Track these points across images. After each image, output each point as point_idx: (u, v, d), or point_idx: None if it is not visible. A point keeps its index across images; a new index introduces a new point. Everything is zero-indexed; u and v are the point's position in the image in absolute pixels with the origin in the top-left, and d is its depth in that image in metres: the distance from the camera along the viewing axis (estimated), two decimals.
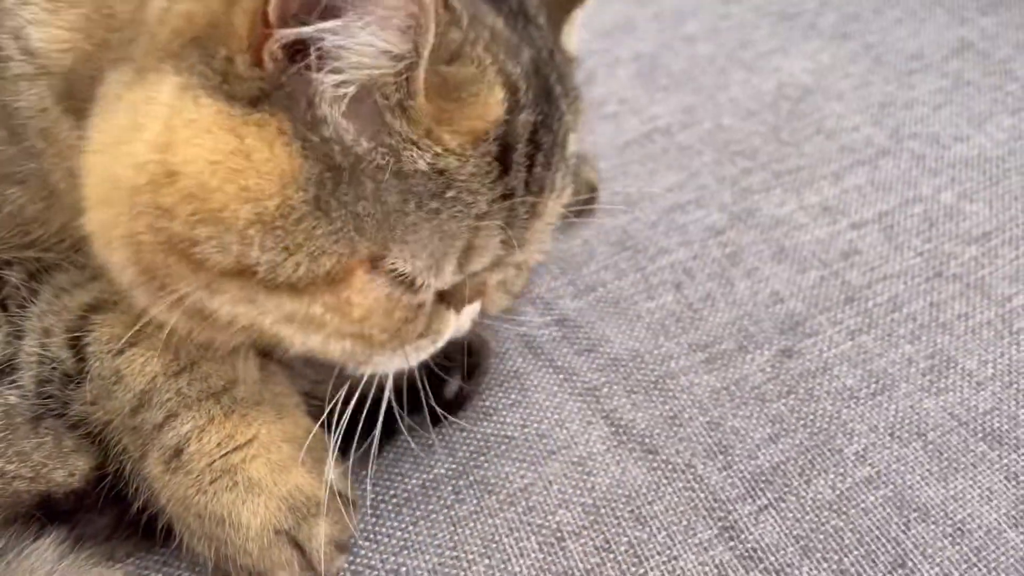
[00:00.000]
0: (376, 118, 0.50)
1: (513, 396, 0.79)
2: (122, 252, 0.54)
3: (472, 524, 0.69)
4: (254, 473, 0.62)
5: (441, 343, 0.64)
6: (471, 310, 0.64)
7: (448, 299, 0.61)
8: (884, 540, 0.67)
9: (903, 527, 0.67)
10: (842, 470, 0.71)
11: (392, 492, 0.71)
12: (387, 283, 0.53)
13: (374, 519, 0.69)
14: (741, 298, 0.87)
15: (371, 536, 0.68)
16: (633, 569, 0.66)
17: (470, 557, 0.67)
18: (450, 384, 0.72)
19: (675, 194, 1.01)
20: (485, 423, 0.77)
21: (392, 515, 0.69)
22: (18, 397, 0.65)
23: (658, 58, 1.27)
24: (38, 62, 0.57)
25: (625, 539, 0.67)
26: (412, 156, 0.50)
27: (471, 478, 0.72)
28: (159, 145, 0.51)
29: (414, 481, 0.72)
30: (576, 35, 0.69)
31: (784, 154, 1.05)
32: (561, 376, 0.81)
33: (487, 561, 0.66)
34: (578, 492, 0.71)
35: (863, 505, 0.69)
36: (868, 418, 0.75)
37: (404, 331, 0.58)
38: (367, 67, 0.49)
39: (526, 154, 0.54)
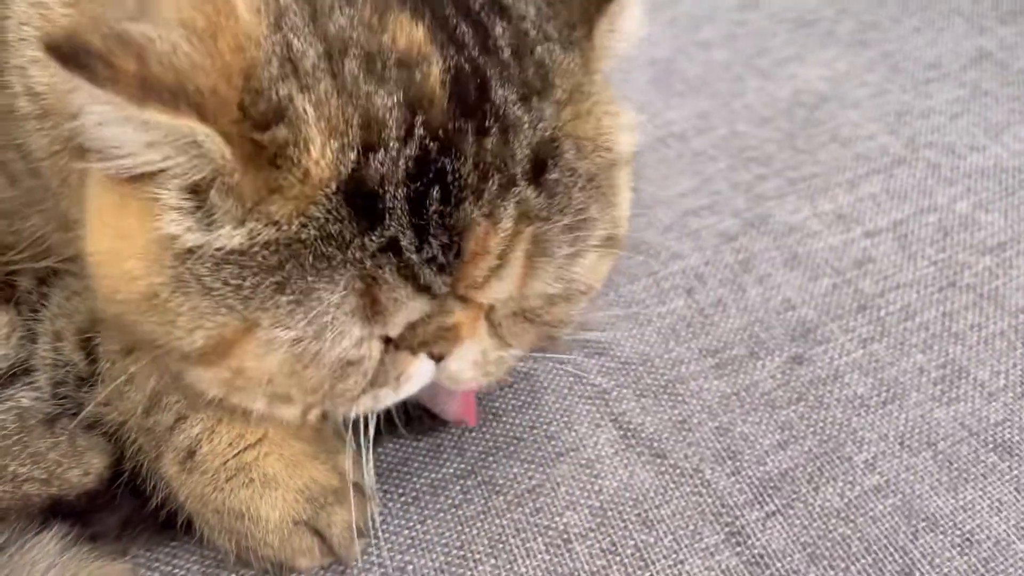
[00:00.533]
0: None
1: (523, 398, 0.79)
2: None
3: (479, 524, 0.69)
4: (269, 469, 0.63)
5: (412, 388, 0.58)
6: (465, 353, 0.58)
7: (406, 345, 0.55)
8: (892, 549, 0.67)
9: (911, 536, 0.67)
10: (851, 478, 0.71)
11: (400, 490, 0.71)
12: (285, 347, 0.50)
13: (381, 516, 0.70)
14: (752, 304, 0.87)
15: (378, 533, 0.68)
16: (639, 572, 0.66)
17: (476, 556, 0.67)
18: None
19: (689, 199, 1.02)
20: (494, 424, 0.77)
21: (400, 513, 0.70)
22: (33, 399, 0.65)
23: (674, 63, 1.27)
24: (43, 103, 0.55)
25: (631, 542, 0.68)
26: (238, 232, 0.47)
27: (479, 478, 0.73)
28: (94, 232, 0.52)
29: (422, 480, 0.73)
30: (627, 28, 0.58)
31: (799, 161, 1.04)
32: (571, 378, 0.81)
33: (493, 561, 0.67)
34: (585, 494, 0.71)
35: (871, 513, 0.69)
36: (878, 427, 0.75)
37: (341, 387, 0.54)
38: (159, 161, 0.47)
39: (407, 196, 0.48)
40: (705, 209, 1.00)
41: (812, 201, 0.98)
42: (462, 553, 0.67)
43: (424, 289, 0.50)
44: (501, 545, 0.67)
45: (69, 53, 0.42)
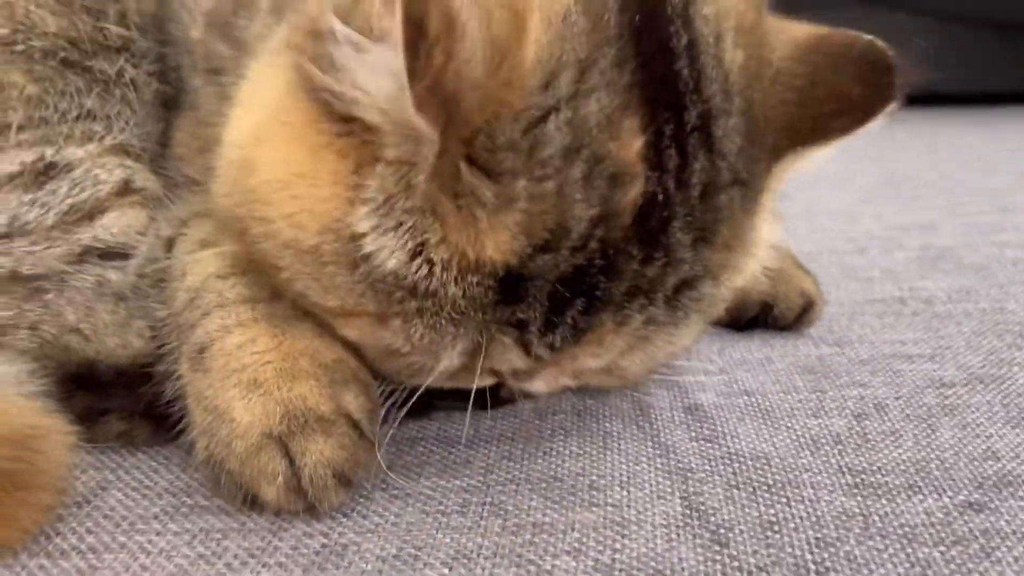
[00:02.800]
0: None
1: (588, 446, 0.64)
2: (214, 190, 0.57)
3: (456, 534, 0.54)
4: (261, 374, 0.56)
5: (465, 387, 0.58)
6: (534, 386, 0.58)
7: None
8: None
9: None
10: None
11: (398, 486, 0.60)
12: (398, 344, 0.52)
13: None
14: (940, 444, 0.65)
15: (347, 513, 0.57)
16: None
17: (431, 562, 0.52)
18: (504, 389, 0.61)
19: (906, 347, 0.82)
20: (539, 457, 0.63)
21: (385, 503, 0.58)
22: (117, 277, 0.67)
23: (953, 251, 1.10)
24: None
25: None
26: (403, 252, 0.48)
27: (485, 497, 0.58)
28: (254, 136, 0.53)
29: (426, 483, 0.60)
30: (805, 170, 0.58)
31: None
32: (656, 449, 0.64)
33: (447, 572, 0.51)
34: (598, 548, 0.53)
35: None
36: None
37: (419, 377, 0.55)
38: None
39: (549, 293, 0.49)
40: (923, 357, 0.80)
41: None
42: (417, 554, 0.53)
43: (530, 355, 0.52)
44: (466, 562, 0.52)
45: (415, 28, 0.42)
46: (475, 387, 0.58)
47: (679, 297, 0.53)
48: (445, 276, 0.48)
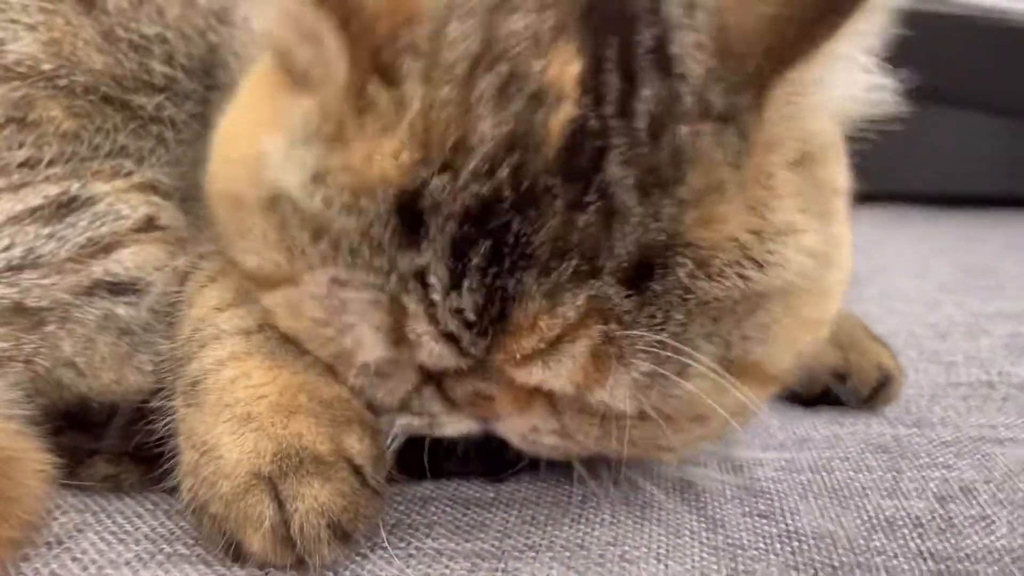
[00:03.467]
0: None
1: (622, 515, 0.56)
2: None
3: None
4: (254, 409, 0.51)
5: (440, 431, 0.52)
6: (511, 424, 0.50)
7: (440, 390, 0.50)
8: None
9: None
10: None
11: (401, 545, 0.53)
12: (313, 323, 0.48)
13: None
14: None
15: (338, 571, 0.50)
16: None
17: None
18: (508, 450, 0.54)
19: (997, 430, 0.72)
20: (565, 525, 0.55)
21: (382, 563, 0.51)
22: (127, 312, 0.64)
23: None
24: None
25: None
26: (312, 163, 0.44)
27: (498, 564, 0.51)
28: (230, 119, 0.53)
29: (432, 544, 0.53)
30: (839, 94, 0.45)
31: None
32: (703, 523, 0.56)
33: None
34: None
35: None
36: None
37: (371, 394, 0.51)
38: None
39: (453, 235, 0.42)
40: (1015, 441, 0.70)
41: None
42: None
43: (450, 339, 0.44)
44: None
45: None
46: (448, 430, 0.52)
47: (645, 282, 0.42)
48: (342, 206, 0.43)
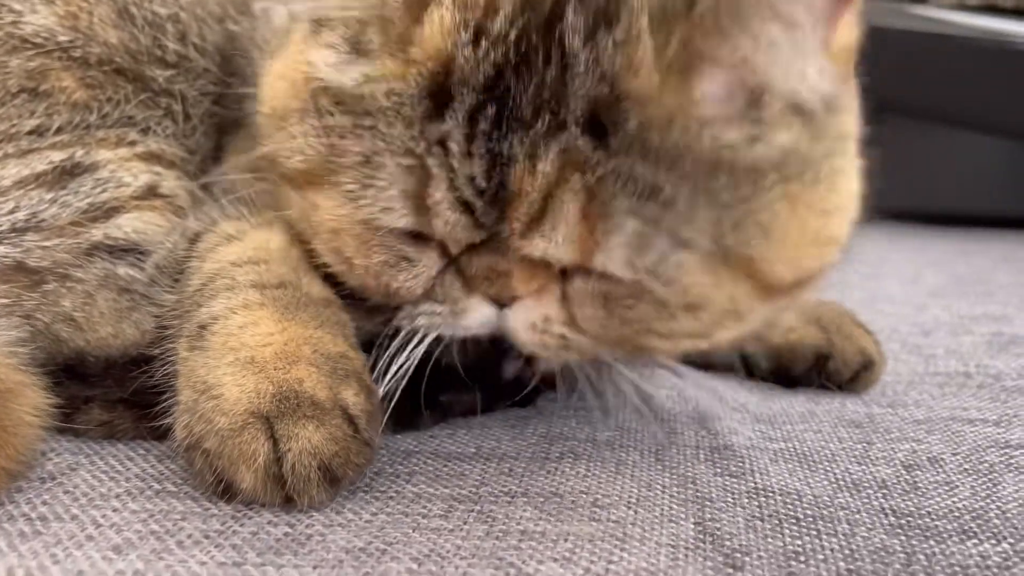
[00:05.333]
0: None
1: (598, 470, 0.58)
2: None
3: (435, 536, 0.49)
4: (259, 354, 0.53)
5: (461, 320, 0.55)
6: (523, 311, 0.54)
7: (465, 275, 0.54)
8: None
9: None
10: None
11: (382, 488, 0.55)
12: (349, 201, 0.52)
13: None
14: (1002, 497, 0.57)
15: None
16: None
17: (399, 555, 0.46)
18: (507, 365, 0.56)
19: (968, 412, 0.74)
20: (542, 476, 0.57)
21: (363, 502, 0.53)
22: (128, 274, 0.66)
23: None
24: None
25: None
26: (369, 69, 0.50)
27: (474, 506, 0.53)
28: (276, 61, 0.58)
29: (412, 489, 0.55)
30: None
31: None
32: (674, 479, 0.58)
33: (414, 567, 0.45)
34: (591, 559, 0.47)
35: None
36: None
37: (396, 281, 0.54)
38: None
39: (471, 105, 0.47)
40: (987, 422, 0.72)
41: None
42: (385, 549, 0.47)
43: (467, 208, 0.49)
44: (439, 560, 0.46)
45: None
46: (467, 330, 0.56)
47: (606, 134, 0.46)
48: (385, 92, 0.49)
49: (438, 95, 0.48)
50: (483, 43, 0.47)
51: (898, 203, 2.08)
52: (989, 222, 2.07)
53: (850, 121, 0.53)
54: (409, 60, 0.48)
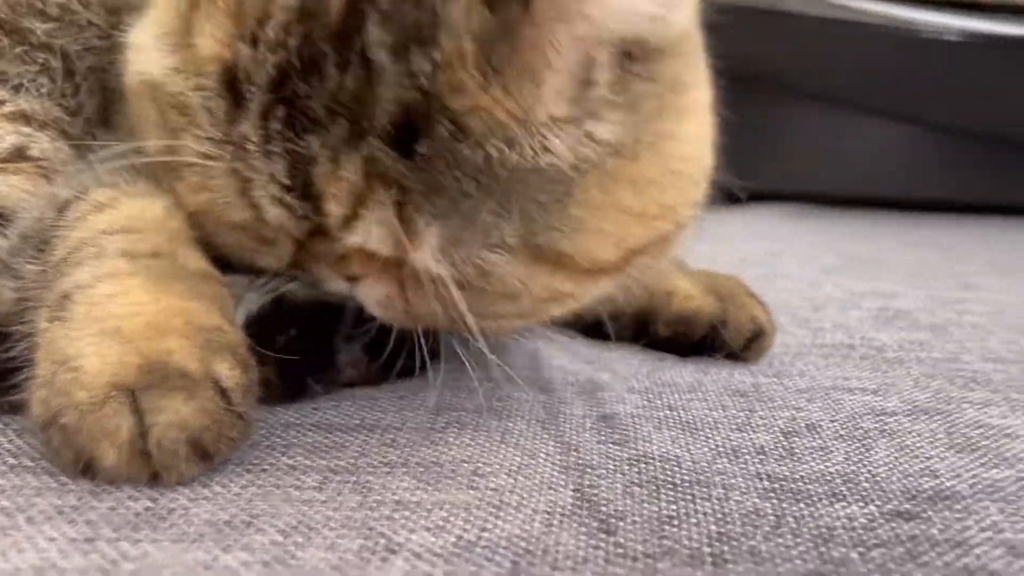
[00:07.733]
0: None
1: (482, 439, 0.58)
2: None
3: (305, 508, 0.47)
4: (126, 325, 0.49)
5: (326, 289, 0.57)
6: (368, 290, 0.56)
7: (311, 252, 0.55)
8: None
9: None
10: None
11: (255, 460, 0.53)
12: (200, 196, 0.52)
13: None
14: (873, 461, 0.58)
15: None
16: None
17: (265, 528, 0.44)
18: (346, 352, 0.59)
19: (850, 381, 0.76)
20: (424, 446, 0.56)
21: (232, 475, 0.51)
22: None
23: (910, 313, 1.05)
24: None
25: None
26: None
27: (350, 477, 0.51)
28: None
29: (287, 461, 0.53)
30: None
31: None
32: (558, 447, 0.58)
33: (280, 539, 0.44)
34: (464, 527, 0.46)
35: None
36: None
37: (252, 255, 0.55)
38: None
39: (262, 105, 0.47)
40: (866, 391, 0.74)
41: None
42: (251, 521, 0.45)
43: (282, 203, 0.49)
44: (307, 531, 0.45)
45: None
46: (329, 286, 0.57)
47: (414, 145, 0.45)
48: (186, 81, 0.49)
49: (232, 92, 0.48)
50: (260, 47, 0.47)
51: (802, 186, 2.15)
52: (890, 204, 2.14)
53: (687, 71, 0.53)
54: (199, 57, 0.49)
